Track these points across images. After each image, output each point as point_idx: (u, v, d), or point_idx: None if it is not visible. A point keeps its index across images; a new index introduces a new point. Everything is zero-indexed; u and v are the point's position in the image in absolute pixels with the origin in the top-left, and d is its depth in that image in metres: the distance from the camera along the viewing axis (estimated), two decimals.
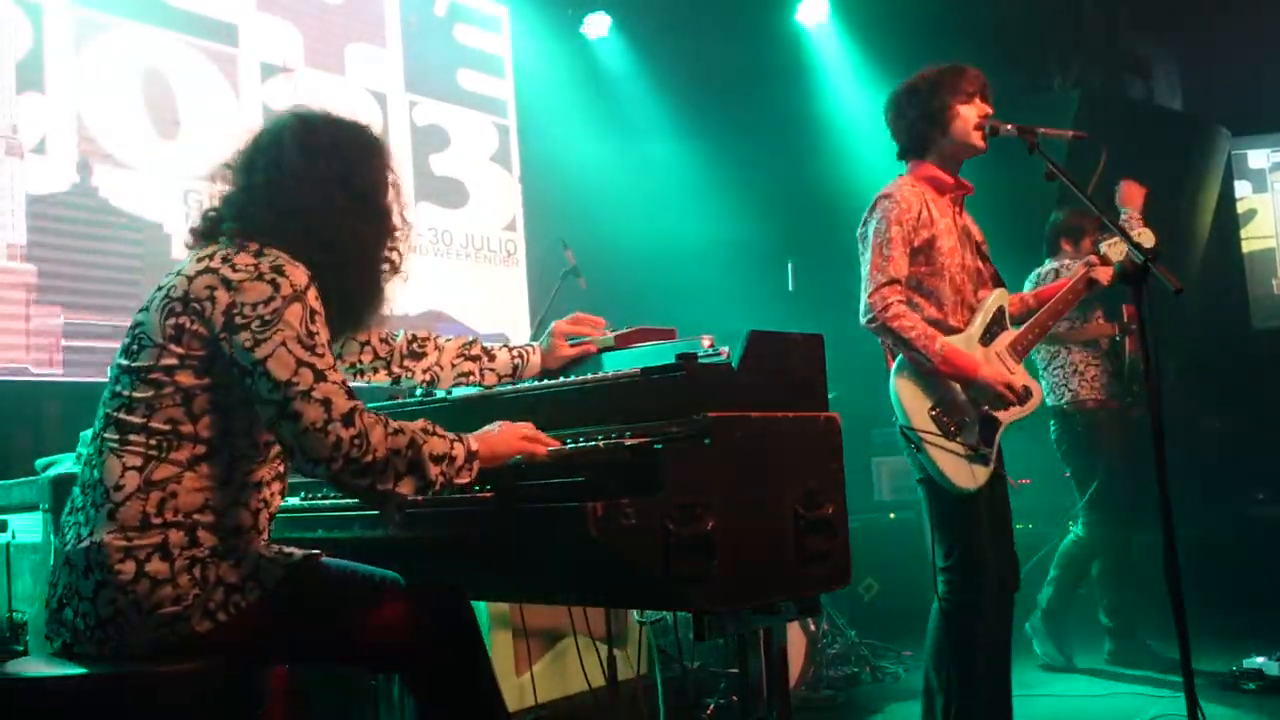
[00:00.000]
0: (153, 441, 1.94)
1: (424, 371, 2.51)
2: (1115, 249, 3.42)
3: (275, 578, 1.98)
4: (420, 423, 1.97)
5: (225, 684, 1.95)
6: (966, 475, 3.02)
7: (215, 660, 1.92)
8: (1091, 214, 4.65)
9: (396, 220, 2.16)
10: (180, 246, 4.62)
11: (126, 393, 1.97)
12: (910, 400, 3.02)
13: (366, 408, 1.94)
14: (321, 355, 1.92)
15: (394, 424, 1.93)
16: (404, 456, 1.90)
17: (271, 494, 2.10)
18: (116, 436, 1.95)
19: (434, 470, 1.92)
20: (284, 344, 1.88)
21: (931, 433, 2.98)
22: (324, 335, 1.96)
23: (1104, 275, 3.37)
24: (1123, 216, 4.34)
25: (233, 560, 1.95)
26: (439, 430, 1.98)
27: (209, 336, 1.93)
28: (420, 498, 1.95)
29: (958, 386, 3.04)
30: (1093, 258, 3.41)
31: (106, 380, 2.06)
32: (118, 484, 1.92)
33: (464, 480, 1.96)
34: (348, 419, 1.87)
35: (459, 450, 1.96)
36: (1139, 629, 4.93)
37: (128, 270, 4.52)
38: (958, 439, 3.02)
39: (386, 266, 2.15)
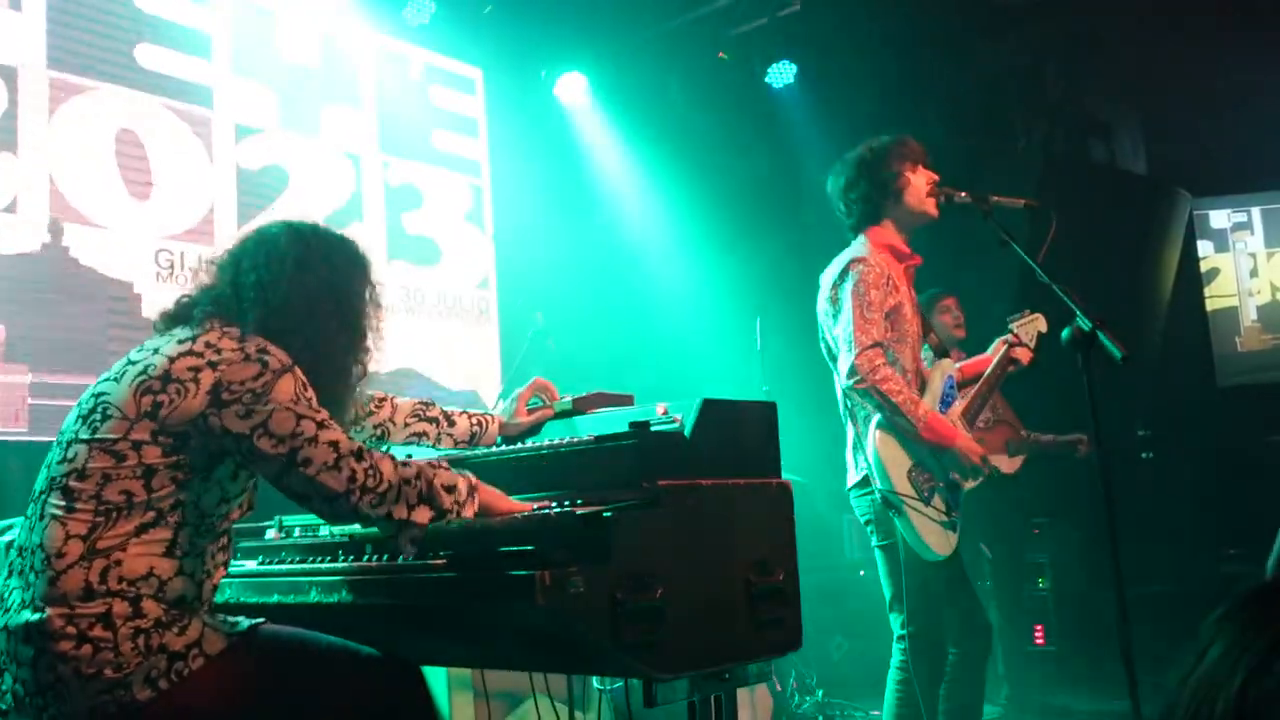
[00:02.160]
0: (101, 509, 1.95)
1: (375, 427, 2.55)
2: (1025, 328, 3.46)
3: (219, 646, 1.99)
4: (425, 459, 2.04)
5: None
6: (942, 541, 3.03)
7: None
8: (936, 294, 4.79)
9: (371, 334, 2.25)
10: (151, 306, 4.67)
11: (80, 461, 1.98)
12: (890, 462, 3.03)
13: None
14: (318, 411, 2.01)
15: (400, 458, 2.02)
16: (414, 486, 1.98)
17: (215, 565, 2.11)
18: (62, 503, 1.96)
19: (447, 500, 2.01)
20: (280, 406, 1.96)
21: (911, 497, 2.99)
22: (315, 399, 2.03)
23: (1023, 355, 3.41)
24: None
25: (177, 629, 1.96)
26: (442, 463, 2.08)
27: (191, 415, 1.96)
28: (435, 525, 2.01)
29: (928, 452, 3.07)
30: (1010, 337, 3.44)
31: (55, 446, 2.07)
32: (59, 551, 1.92)
33: (469, 513, 2.04)
34: (358, 454, 1.97)
35: (463, 483, 2.05)
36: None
37: (97, 329, 4.53)
38: (930, 504, 3.04)
39: (356, 370, 2.23)
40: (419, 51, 6.16)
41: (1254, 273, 8.71)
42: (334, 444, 1.96)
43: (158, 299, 4.68)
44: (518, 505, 2.10)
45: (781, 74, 7.16)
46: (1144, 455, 5.11)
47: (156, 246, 4.77)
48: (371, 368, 2.30)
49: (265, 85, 5.34)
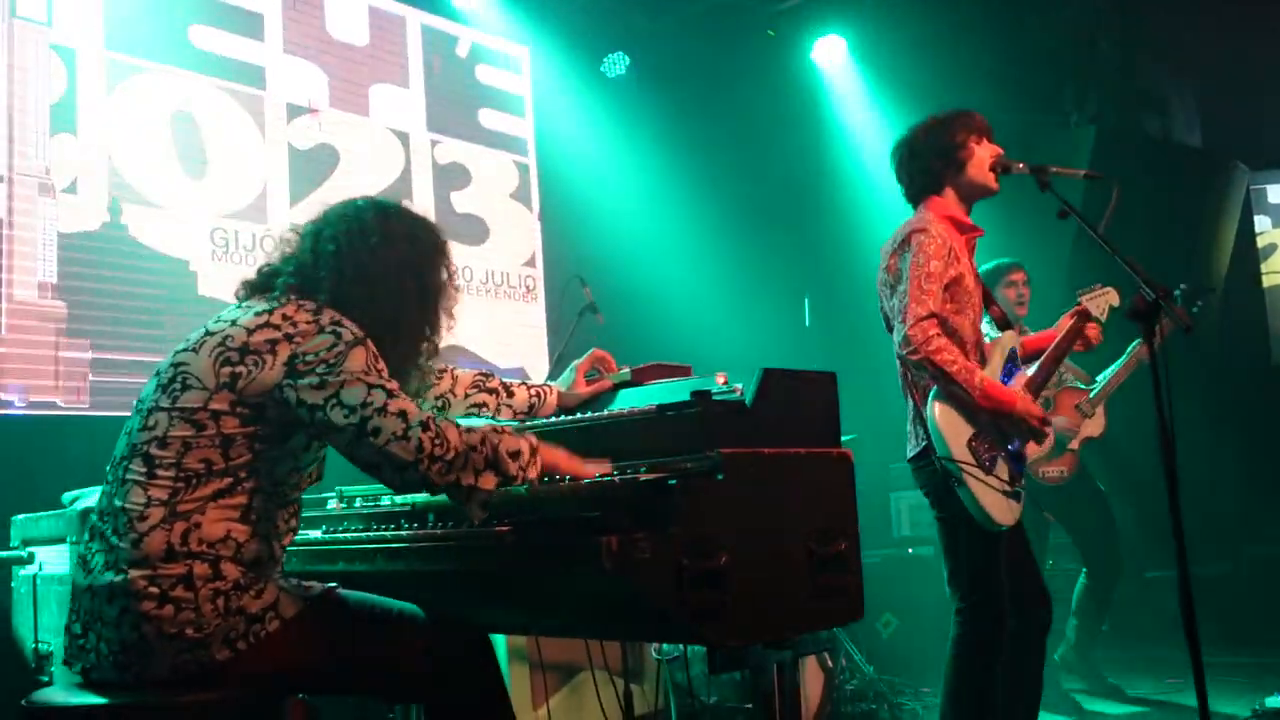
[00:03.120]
0: (181, 475, 1.99)
1: (436, 398, 2.58)
2: (1096, 301, 3.41)
3: (294, 609, 2.03)
4: (488, 425, 2.06)
5: (244, 714, 1.99)
6: (1004, 511, 3.00)
7: (234, 691, 1.97)
8: (1004, 265, 4.70)
9: (444, 314, 2.29)
10: (206, 284, 4.74)
11: (162, 429, 2.02)
12: (950, 431, 2.99)
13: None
14: (389, 381, 2.04)
15: (464, 424, 2.05)
16: (480, 452, 2.01)
17: (286, 530, 2.16)
18: (144, 469, 2.00)
19: (513, 465, 2.03)
20: (352, 376, 1.99)
21: (971, 465, 2.96)
22: (387, 370, 2.07)
23: (1093, 333, 3.36)
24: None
25: (254, 592, 2.01)
26: (505, 428, 2.10)
27: (269, 385, 2.01)
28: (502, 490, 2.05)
29: (988, 421, 3.04)
30: (1079, 308, 3.38)
31: (134, 413, 2.12)
32: (142, 514, 1.97)
33: (533, 475, 2.06)
34: (424, 424, 1.99)
35: (525, 445, 2.07)
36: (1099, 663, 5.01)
37: (154, 307, 4.60)
38: (992, 473, 3.01)
39: (427, 347, 2.27)
40: (466, 30, 6.18)
41: None
42: (403, 414, 1.98)
43: (213, 277, 4.76)
44: (580, 464, 2.11)
45: (829, 51, 7.10)
46: (1194, 310, 4.79)
47: (212, 225, 4.84)
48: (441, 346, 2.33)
49: (315, 65, 5.39)
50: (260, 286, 2.22)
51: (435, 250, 2.29)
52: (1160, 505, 2.81)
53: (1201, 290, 4.98)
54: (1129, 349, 4.76)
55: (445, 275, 2.29)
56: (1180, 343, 2.86)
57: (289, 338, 2.03)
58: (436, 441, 1.97)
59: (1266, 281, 8.56)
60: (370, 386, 1.99)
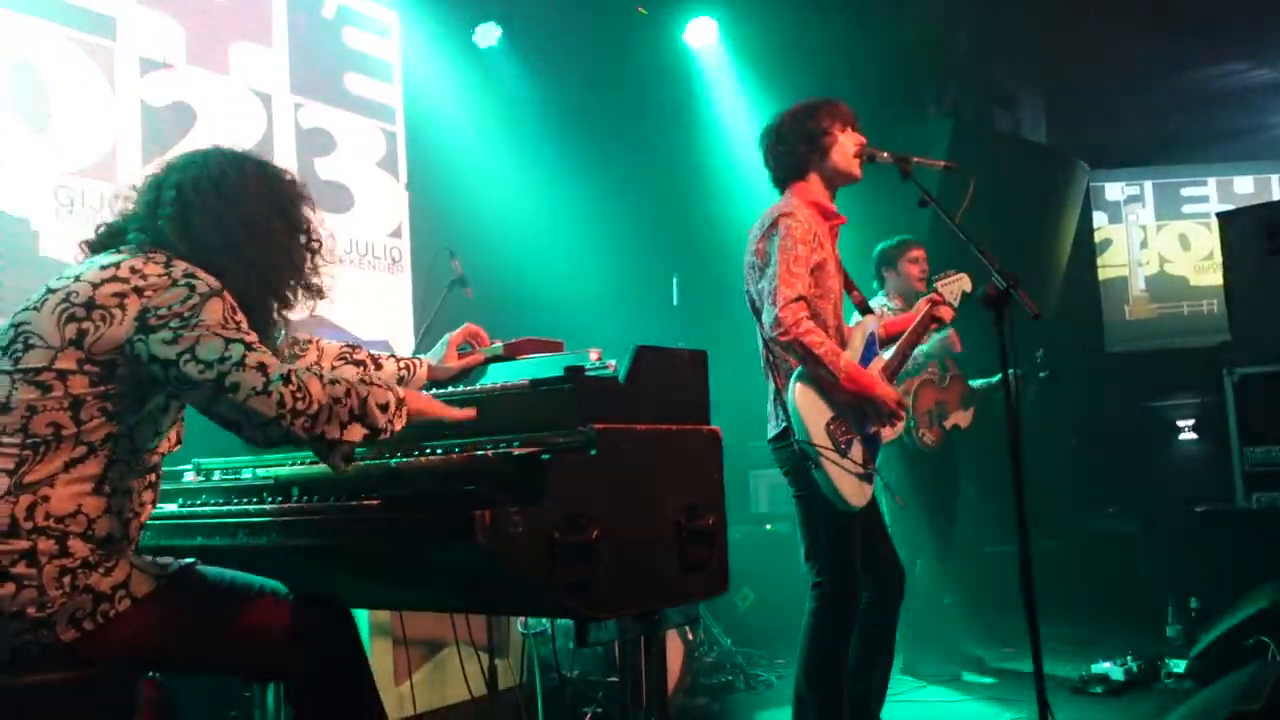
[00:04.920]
0: (28, 443, 1.89)
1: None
2: (950, 287, 3.59)
3: (147, 588, 1.96)
4: (353, 373, 2.00)
5: (93, 695, 1.91)
6: (857, 492, 3.12)
7: (81, 671, 1.89)
8: (900, 242, 4.98)
9: (304, 265, 2.19)
10: (48, 244, 4.48)
11: (3, 394, 1.91)
12: (809, 414, 3.09)
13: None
14: (247, 333, 1.95)
15: (328, 375, 1.98)
16: (345, 404, 1.95)
17: (143, 503, 2.07)
18: None
19: (381, 418, 1.99)
20: (208, 330, 1.90)
21: (828, 448, 3.06)
22: (246, 322, 1.98)
23: (945, 313, 3.53)
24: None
25: (103, 570, 1.92)
26: (374, 379, 2.04)
27: (118, 341, 1.91)
28: (370, 443, 2.00)
29: (847, 404, 3.14)
30: (934, 295, 3.56)
31: None
32: None
33: (399, 426, 2.02)
34: (285, 377, 1.91)
35: (392, 397, 2.02)
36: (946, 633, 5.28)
37: None
38: (848, 456, 3.12)
39: (308, 291, 2.19)
40: None
41: (1144, 244, 9.11)
42: (262, 367, 1.90)
43: (57, 237, 4.50)
44: (448, 409, 2.11)
45: (700, 33, 7.17)
46: (1041, 375, 5.38)
47: (56, 183, 4.57)
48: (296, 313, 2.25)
49: (171, 18, 5.13)
50: (101, 245, 2.11)
51: (295, 190, 2.20)
52: (998, 482, 2.98)
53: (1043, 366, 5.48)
54: (996, 379, 5.09)
55: (301, 224, 2.19)
56: (1023, 331, 3.03)
57: (139, 290, 1.93)
58: (298, 395, 1.90)
59: (1102, 274, 9.10)
60: (228, 341, 1.90)
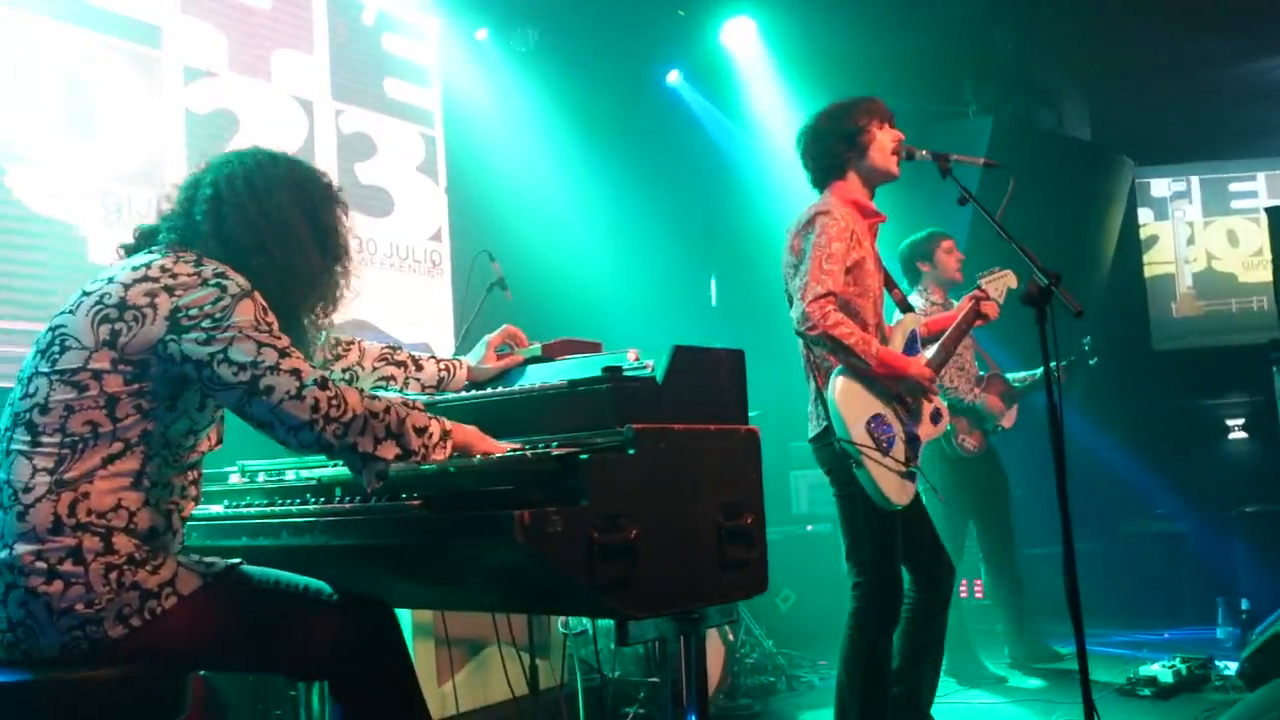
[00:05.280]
0: (66, 441, 1.92)
1: (343, 371, 2.52)
2: (995, 284, 3.56)
3: (193, 585, 1.98)
4: (398, 397, 2.01)
5: (142, 692, 1.94)
6: (899, 491, 3.10)
7: (130, 667, 1.92)
8: (931, 235, 4.92)
9: (339, 267, 2.19)
10: (96, 250, 4.57)
11: (43, 395, 1.95)
12: (849, 413, 3.07)
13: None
14: (279, 338, 1.96)
15: (371, 391, 1.99)
16: (383, 420, 1.94)
17: (185, 498, 2.10)
18: (27, 438, 1.93)
19: (416, 441, 1.97)
20: (240, 332, 1.91)
21: (869, 447, 3.05)
22: (278, 324, 1.99)
23: (990, 310, 3.50)
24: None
25: (150, 567, 1.95)
26: (417, 404, 2.04)
27: (151, 341, 1.93)
28: (402, 465, 1.99)
29: (884, 401, 3.12)
30: (978, 291, 3.53)
31: (15, 384, 2.04)
32: (27, 485, 1.90)
33: (439, 457, 2.01)
34: (321, 383, 1.92)
35: (436, 426, 2.01)
36: (1038, 631, 5.21)
37: (41, 274, 4.41)
38: (890, 455, 3.10)
39: (322, 302, 2.19)
40: None
41: (1191, 241, 8.95)
42: (296, 372, 1.91)
43: (105, 242, 4.58)
44: (495, 445, 2.09)
45: (737, 34, 7.16)
46: (1091, 362, 5.31)
47: (103, 189, 4.65)
48: (339, 314, 2.26)
49: (214, 26, 5.21)
50: (138, 247, 2.13)
51: (327, 194, 2.20)
52: (1042, 484, 2.94)
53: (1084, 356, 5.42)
54: (1037, 371, 5.02)
55: (336, 225, 2.19)
56: (1067, 329, 3.00)
57: (169, 290, 1.94)
58: (334, 402, 1.90)
59: (1148, 271, 8.96)
60: (260, 345, 1.91)
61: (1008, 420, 5.05)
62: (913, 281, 5.09)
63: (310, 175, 2.21)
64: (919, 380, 3.14)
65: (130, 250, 2.15)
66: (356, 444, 1.92)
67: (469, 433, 2.08)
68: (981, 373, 5.08)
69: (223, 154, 2.18)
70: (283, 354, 1.92)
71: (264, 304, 1.98)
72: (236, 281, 1.97)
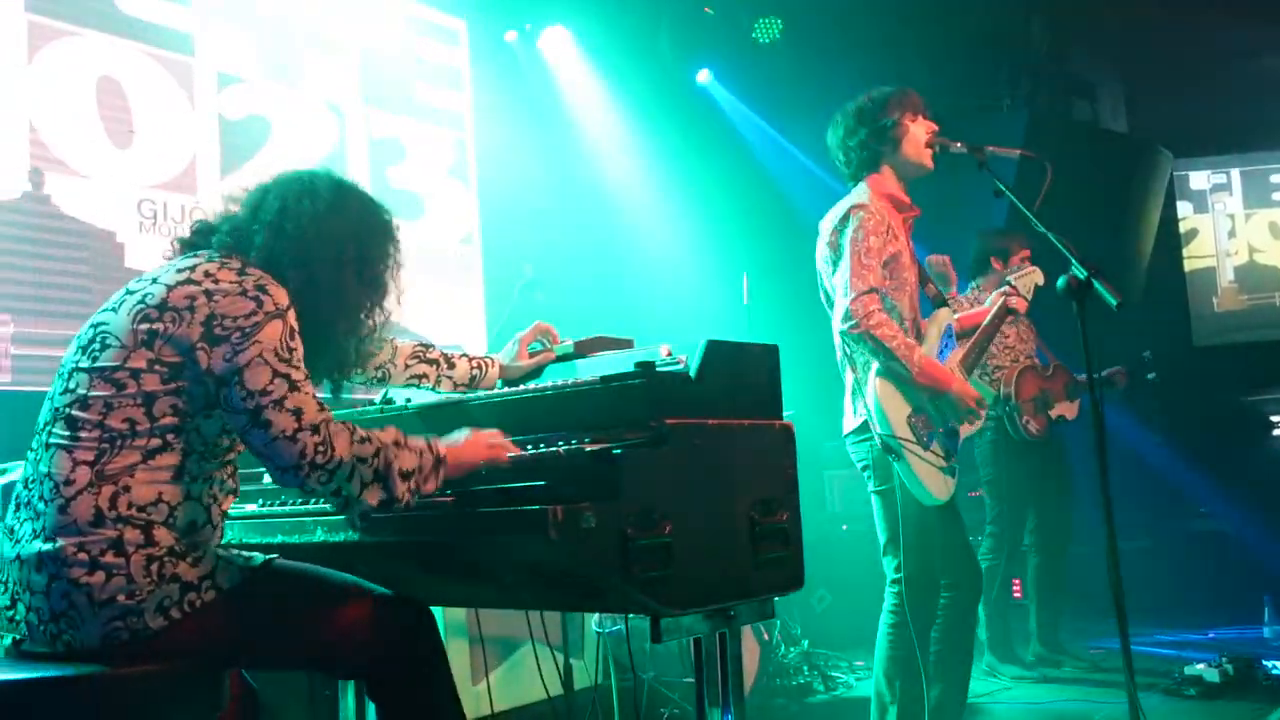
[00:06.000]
0: (106, 436, 1.94)
1: (375, 369, 2.52)
2: (1023, 280, 3.54)
3: (233, 579, 1.99)
4: (392, 433, 2.00)
5: (180, 686, 1.95)
6: (941, 486, 3.06)
7: (170, 663, 1.92)
8: (1015, 234, 4.89)
9: (389, 299, 2.22)
10: (133, 256, 4.62)
11: (83, 390, 1.97)
12: (890, 406, 3.04)
13: (334, 417, 1.98)
14: (297, 368, 1.96)
15: (361, 432, 1.97)
16: (370, 465, 1.94)
17: (224, 491, 2.11)
18: (67, 433, 1.95)
19: (400, 486, 1.96)
20: (261, 355, 1.92)
21: (910, 441, 3.01)
22: (300, 351, 1.99)
23: (1019, 304, 3.47)
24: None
25: (190, 560, 1.96)
26: (409, 442, 2.01)
27: (185, 345, 1.95)
28: (385, 509, 1.98)
29: (927, 397, 3.09)
30: (1008, 288, 3.51)
31: (55, 378, 2.06)
32: (68, 478, 1.91)
33: (430, 489, 2.00)
34: (315, 427, 1.92)
35: (428, 460, 2.00)
36: (1061, 634, 5.14)
37: (78, 279, 4.47)
38: (931, 449, 3.06)
39: (367, 325, 2.20)
40: (402, 1, 6.08)
41: (1232, 234, 8.81)
42: (298, 412, 1.91)
43: (141, 249, 4.63)
44: (497, 452, 2.06)
45: (768, 30, 7.13)
46: (1149, 376, 5.29)
47: (139, 196, 4.70)
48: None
49: (247, 32, 5.26)
50: (194, 244, 2.15)
51: (383, 230, 2.22)
52: (1085, 483, 2.89)
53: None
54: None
55: (390, 260, 2.21)
56: (1107, 324, 2.96)
57: (209, 294, 1.96)
58: (320, 448, 1.90)
59: (1188, 265, 8.82)
60: (275, 374, 1.92)
61: (1069, 411, 5.03)
62: (976, 273, 5.05)
63: (374, 209, 2.23)
64: (960, 397, 3.09)
65: (185, 244, 2.17)
66: (339, 490, 1.93)
67: (471, 449, 2.06)
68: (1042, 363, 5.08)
69: (295, 171, 2.21)
70: (293, 387, 1.93)
71: (294, 326, 1.99)
72: (274, 298, 1.98)
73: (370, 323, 2.21)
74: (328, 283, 2.10)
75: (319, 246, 2.10)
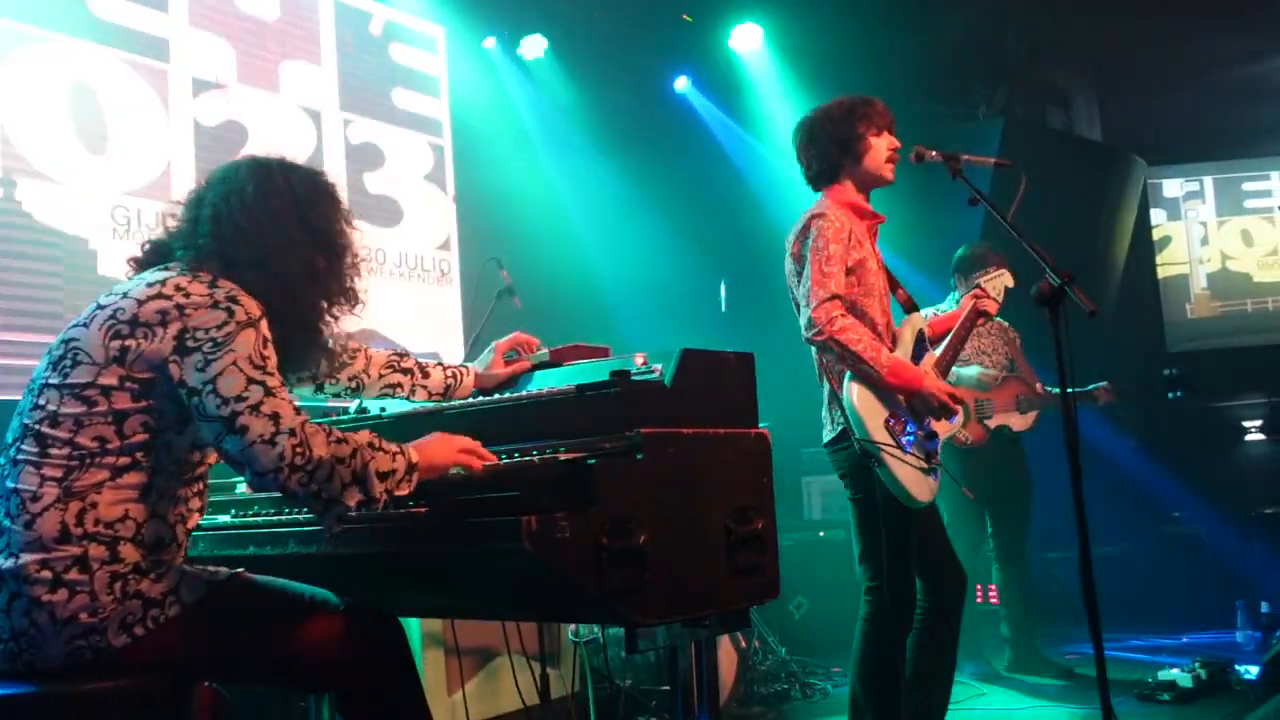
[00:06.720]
0: (75, 454, 1.92)
1: (349, 379, 2.50)
2: (993, 283, 3.55)
3: (197, 593, 1.98)
4: (366, 435, 1.98)
5: (145, 702, 1.93)
6: (922, 488, 3.06)
7: (134, 679, 1.90)
8: (991, 250, 4.90)
9: (345, 272, 2.17)
10: (106, 263, 4.58)
11: (53, 407, 1.94)
12: (866, 411, 3.03)
13: (310, 420, 1.96)
14: (271, 374, 1.94)
15: (338, 433, 1.95)
16: (348, 466, 1.92)
17: (190, 509, 2.09)
18: (36, 449, 1.93)
19: (378, 487, 1.94)
20: (235, 364, 1.90)
21: (889, 445, 3.01)
22: (274, 360, 1.97)
23: (990, 307, 3.49)
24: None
25: (154, 576, 1.94)
26: (383, 444, 1.99)
27: (157, 360, 1.93)
28: (363, 511, 1.96)
29: (901, 399, 3.10)
30: (977, 290, 3.52)
31: (25, 393, 2.03)
32: (35, 494, 1.89)
33: (403, 492, 1.98)
34: (292, 430, 1.89)
35: (400, 463, 1.98)
36: (1035, 639, 5.14)
37: (51, 287, 4.43)
38: (910, 452, 3.07)
39: (342, 299, 2.16)
40: (380, 7, 6.06)
41: (1205, 241, 8.90)
42: (275, 417, 1.88)
43: (115, 256, 4.59)
44: (470, 459, 2.05)
45: (746, 38, 7.15)
46: (1171, 395, 5.28)
47: (113, 203, 4.66)
48: (347, 321, 2.24)
49: (223, 39, 5.23)
50: (146, 263, 2.13)
51: (320, 194, 2.16)
52: (1059, 488, 2.90)
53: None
54: (1090, 386, 5.12)
55: (339, 219, 2.16)
56: (1081, 331, 2.97)
57: (180, 309, 1.93)
58: (298, 450, 1.87)
59: (1161, 272, 8.90)
60: (250, 381, 1.90)
61: (1015, 421, 5.03)
62: (958, 285, 5.06)
63: (302, 178, 2.17)
64: (933, 394, 3.09)
65: (142, 264, 2.14)
66: (320, 491, 1.90)
67: (441, 448, 2.04)
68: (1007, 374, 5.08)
69: (220, 168, 2.17)
70: (268, 393, 1.90)
71: (267, 335, 1.97)
72: (246, 308, 1.96)
73: (333, 306, 2.16)
74: (290, 271, 2.06)
75: (264, 238, 2.06)
